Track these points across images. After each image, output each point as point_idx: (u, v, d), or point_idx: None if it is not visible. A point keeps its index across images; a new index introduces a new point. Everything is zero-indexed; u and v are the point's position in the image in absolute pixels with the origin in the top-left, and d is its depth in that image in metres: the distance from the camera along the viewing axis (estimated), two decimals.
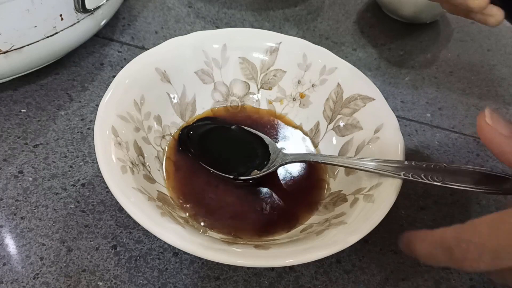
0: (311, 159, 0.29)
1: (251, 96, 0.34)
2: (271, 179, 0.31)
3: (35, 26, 0.31)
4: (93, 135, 0.25)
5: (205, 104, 0.33)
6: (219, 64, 0.33)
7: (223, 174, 0.29)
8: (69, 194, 0.30)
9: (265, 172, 0.29)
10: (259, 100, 0.34)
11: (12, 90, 0.36)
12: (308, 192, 0.30)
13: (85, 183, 0.30)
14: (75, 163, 0.32)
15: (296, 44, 0.33)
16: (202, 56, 0.32)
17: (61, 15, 0.32)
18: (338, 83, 0.32)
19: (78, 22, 0.34)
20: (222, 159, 0.31)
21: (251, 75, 0.34)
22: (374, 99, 0.30)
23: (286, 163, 0.29)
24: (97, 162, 0.24)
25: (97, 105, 0.30)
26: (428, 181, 0.24)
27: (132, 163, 0.26)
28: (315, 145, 0.32)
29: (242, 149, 0.31)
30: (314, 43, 0.33)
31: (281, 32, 0.33)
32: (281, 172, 0.31)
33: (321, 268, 0.28)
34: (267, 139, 0.31)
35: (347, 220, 0.24)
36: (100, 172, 0.23)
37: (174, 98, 0.32)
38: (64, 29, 0.33)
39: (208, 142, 0.31)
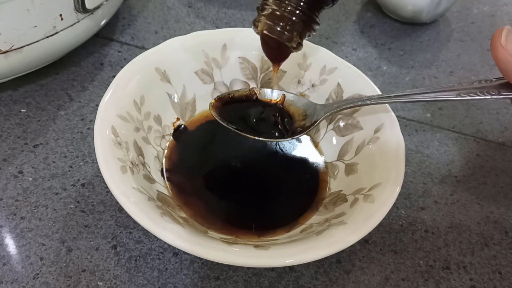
0: (360, 104, 0.28)
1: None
2: (271, 179, 0.31)
3: (35, 26, 0.31)
4: (93, 135, 0.25)
5: (205, 104, 0.33)
6: (219, 64, 0.33)
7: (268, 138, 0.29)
8: (69, 194, 0.30)
9: (312, 127, 0.29)
10: None
11: (12, 90, 0.36)
12: (308, 192, 0.30)
13: (85, 183, 0.30)
14: (75, 163, 0.32)
15: None
16: (202, 56, 0.32)
17: (61, 15, 0.32)
18: (338, 83, 0.32)
19: (78, 22, 0.34)
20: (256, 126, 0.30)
21: (251, 75, 0.34)
22: None
23: (332, 113, 0.29)
24: (97, 162, 0.24)
25: (97, 105, 0.30)
26: (484, 96, 0.24)
27: (132, 163, 0.26)
28: (316, 145, 0.32)
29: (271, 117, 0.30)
30: (314, 43, 0.33)
31: None
32: (282, 171, 0.31)
33: (321, 268, 0.28)
34: (294, 97, 0.30)
35: (347, 220, 0.24)
36: (100, 172, 0.23)
37: (174, 98, 0.32)
38: (64, 29, 0.33)
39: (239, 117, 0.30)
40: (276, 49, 0.28)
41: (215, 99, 0.29)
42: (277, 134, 0.29)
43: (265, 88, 0.31)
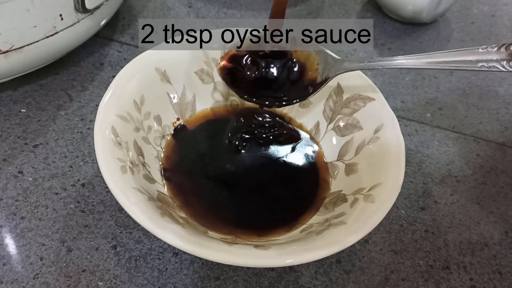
0: (371, 62, 0.27)
1: None
2: (271, 178, 0.31)
3: (35, 26, 0.31)
4: (93, 135, 0.25)
5: (205, 104, 0.33)
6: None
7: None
8: (69, 194, 0.30)
9: (323, 86, 0.28)
10: None
11: (12, 90, 0.36)
12: (308, 192, 0.30)
13: (85, 183, 0.30)
14: (75, 163, 0.32)
15: None
16: (202, 56, 0.32)
17: (61, 15, 0.32)
18: (338, 83, 0.32)
19: (78, 22, 0.34)
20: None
21: None
22: (374, 99, 0.30)
23: (342, 73, 0.28)
24: (97, 162, 0.24)
25: (97, 105, 0.30)
26: (509, 70, 0.22)
27: (132, 163, 0.26)
28: (316, 144, 0.32)
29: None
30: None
31: None
32: (282, 171, 0.31)
33: (321, 268, 0.28)
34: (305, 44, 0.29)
35: (347, 220, 0.24)
36: (100, 172, 0.23)
37: (174, 98, 0.32)
38: (64, 29, 0.33)
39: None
40: None
41: (221, 57, 0.29)
42: (287, 97, 0.28)
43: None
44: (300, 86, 0.29)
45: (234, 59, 0.29)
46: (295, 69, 0.29)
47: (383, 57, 0.28)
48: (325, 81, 0.28)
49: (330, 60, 0.29)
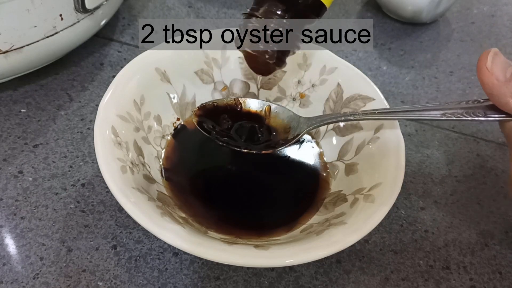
0: (343, 119, 0.28)
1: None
2: (272, 178, 0.31)
3: (35, 26, 0.31)
4: (93, 135, 0.25)
5: None
6: (219, 64, 0.33)
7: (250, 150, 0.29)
8: (69, 194, 0.30)
9: (294, 141, 0.29)
10: None
11: (12, 90, 0.36)
12: (309, 192, 0.30)
13: (85, 183, 0.30)
14: (75, 163, 0.32)
15: None
16: (202, 56, 0.32)
17: (61, 15, 0.32)
18: (338, 83, 0.32)
19: (78, 22, 0.34)
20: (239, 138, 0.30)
21: (251, 75, 0.34)
22: (374, 99, 0.30)
23: (315, 127, 0.29)
24: (97, 162, 0.24)
25: (97, 105, 0.30)
26: (472, 118, 0.24)
27: (132, 163, 0.26)
28: (316, 144, 0.32)
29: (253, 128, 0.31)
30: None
31: None
32: (282, 171, 0.31)
33: (321, 268, 0.28)
34: (279, 108, 0.30)
35: (347, 220, 0.24)
36: (100, 172, 0.23)
37: (174, 98, 0.32)
38: (64, 29, 0.33)
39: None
40: (259, 65, 0.29)
41: (198, 108, 0.30)
42: (257, 147, 0.29)
43: (250, 98, 0.31)
44: (272, 143, 0.30)
45: (209, 109, 0.30)
46: (267, 131, 0.30)
47: (354, 111, 0.29)
48: (296, 136, 0.29)
49: (302, 120, 0.30)
